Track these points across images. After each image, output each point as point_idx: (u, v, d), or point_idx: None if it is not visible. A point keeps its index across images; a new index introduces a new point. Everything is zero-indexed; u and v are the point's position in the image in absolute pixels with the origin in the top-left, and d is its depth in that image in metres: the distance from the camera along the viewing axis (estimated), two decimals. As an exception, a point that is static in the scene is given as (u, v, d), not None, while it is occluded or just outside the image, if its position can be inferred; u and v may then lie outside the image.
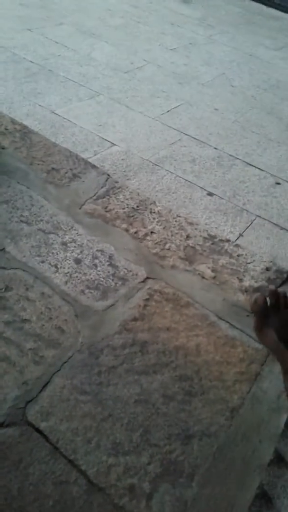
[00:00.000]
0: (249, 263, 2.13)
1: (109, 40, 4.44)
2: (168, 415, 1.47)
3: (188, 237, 2.17)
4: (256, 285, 2.01)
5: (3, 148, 2.38)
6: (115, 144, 2.91)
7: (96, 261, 1.92)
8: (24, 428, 1.34)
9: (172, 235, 2.16)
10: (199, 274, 1.99)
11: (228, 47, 5.09)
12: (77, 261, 1.90)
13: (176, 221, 2.26)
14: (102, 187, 2.34)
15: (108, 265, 1.92)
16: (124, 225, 2.14)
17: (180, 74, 4.15)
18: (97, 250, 1.97)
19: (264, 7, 7.03)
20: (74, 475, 1.28)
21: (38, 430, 1.35)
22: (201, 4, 6.41)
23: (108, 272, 1.89)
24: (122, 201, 2.28)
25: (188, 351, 1.67)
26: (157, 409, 1.48)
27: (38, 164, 2.35)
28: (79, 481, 1.27)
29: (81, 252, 1.94)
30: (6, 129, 2.52)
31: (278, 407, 1.56)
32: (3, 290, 1.70)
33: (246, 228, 2.49)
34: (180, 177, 2.77)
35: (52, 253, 1.90)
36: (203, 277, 1.98)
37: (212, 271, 2.03)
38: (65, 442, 1.34)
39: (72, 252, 1.93)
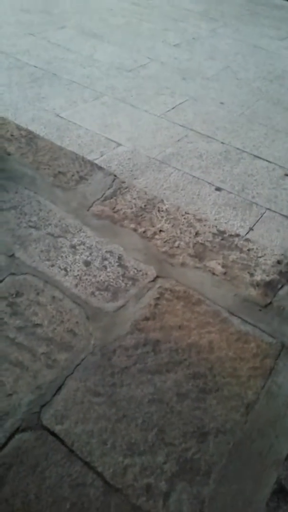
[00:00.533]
0: (260, 257, 2.11)
1: (111, 40, 4.44)
2: (182, 413, 1.47)
3: (197, 234, 2.17)
4: (267, 278, 1.99)
5: (9, 154, 2.40)
6: (121, 144, 2.91)
7: (106, 262, 1.93)
8: (40, 432, 1.35)
9: (181, 233, 2.15)
10: (209, 270, 1.98)
11: (232, 40, 5.05)
12: (87, 263, 1.90)
13: (184, 218, 2.25)
14: (109, 188, 2.34)
15: (118, 265, 1.92)
16: (132, 225, 2.14)
17: (184, 70, 4.13)
18: (106, 252, 1.98)
19: (267, -3, 6.95)
20: (91, 477, 1.28)
21: (53, 434, 1.36)
22: (203, -2, 6.37)
23: (118, 273, 1.89)
24: (130, 201, 2.28)
25: (201, 348, 1.66)
26: (171, 408, 1.47)
27: (45, 168, 2.36)
28: (96, 482, 1.28)
29: (90, 254, 1.95)
30: (12, 135, 2.54)
31: (294, 401, 1.55)
32: (14, 295, 1.71)
33: (256, 222, 2.47)
34: (187, 173, 2.76)
35: (62, 256, 1.91)
36: (213, 274, 1.97)
37: (223, 267, 2.01)
38: (80, 445, 1.35)
39: (81, 255, 1.94)
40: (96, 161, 2.61)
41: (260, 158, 3.05)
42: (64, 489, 1.25)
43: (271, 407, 1.53)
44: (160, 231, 2.15)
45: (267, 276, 2.01)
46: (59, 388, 1.47)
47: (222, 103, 3.69)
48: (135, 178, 2.62)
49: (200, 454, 1.38)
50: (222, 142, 3.16)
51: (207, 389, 1.54)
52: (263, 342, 1.72)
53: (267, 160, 3.04)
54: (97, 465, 1.31)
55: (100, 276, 1.87)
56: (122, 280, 1.86)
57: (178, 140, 3.09)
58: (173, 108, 3.47)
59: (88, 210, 2.18)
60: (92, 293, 1.79)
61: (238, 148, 3.12)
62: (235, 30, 5.36)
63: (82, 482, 1.27)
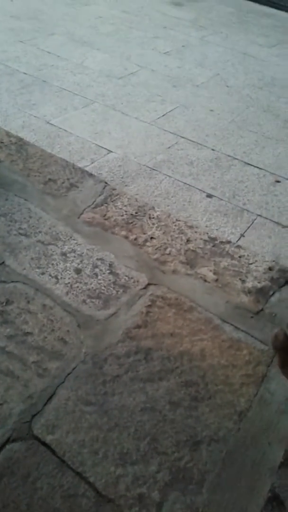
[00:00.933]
0: (251, 263, 2.11)
1: (101, 47, 4.45)
2: (175, 422, 1.46)
3: (188, 240, 2.17)
4: (259, 285, 1.99)
5: (-1, 161, 2.39)
6: (111, 151, 2.91)
7: (97, 270, 1.92)
8: (31, 442, 1.34)
9: (172, 240, 2.15)
10: (201, 277, 1.98)
11: (222, 47, 5.09)
12: (78, 271, 1.89)
13: (175, 225, 2.25)
14: (100, 195, 2.34)
15: (109, 273, 1.91)
16: (124, 232, 2.14)
17: (174, 77, 4.15)
18: (97, 259, 1.97)
19: (256, 5, 7.02)
20: (83, 488, 1.27)
21: (44, 444, 1.34)
22: (192, 6, 6.42)
23: (109, 280, 1.88)
24: (121, 208, 2.28)
25: (193, 356, 1.65)
26: (163, 416, 1.46)
27: (35, 175, 2.35)
28: (88, 493, 1.26)
29: (81, 261, 1.94)
30: (1, 142, 2.53)
31: (286, 409, 1.55)
32: (4, 304, 1.70)
33: (247, 228, 2.48)
34: (178, 180, 2.77)
35: (52, 264, 1.90)
36: (205, 280, 1.97)
37: (214, 273, 2.01)
38: (72, 455, 1.33)
39: (72, 262, 1.93)
40: (86, 168, 2.61)
41: (250, 165, 3.07)
42: (56, 500, 1.23)
43: (264, 414, 1.52)
44: (151, 238, 2.14)
45: (259, 282, 2.01)
46: (50, 398, 1.45)
47: (212, 110, 3.71)
48: (126, 185, 2.62)
49: (193, 463, 1.37)
50: (212, 149, 3.17)
51: (199, 397, 1.53)
52: (256, 349, 1.72)
53: (257, 167, 3.06)
54: (89, 475, 1.29)
55: (91, 283, 1.86)
56: (113, 288, 1.86)
57: (169, 147, 3.10)
58: (163, 116, 3.48)
59: (78, 217, 2.17)
60: (83, 301, 1.78)
61: (228, 155, 3.13)
62: (224, 38, 5.41)
63: (74, 493, 1.25)
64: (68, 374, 1.53)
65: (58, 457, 1.32)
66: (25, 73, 3.64)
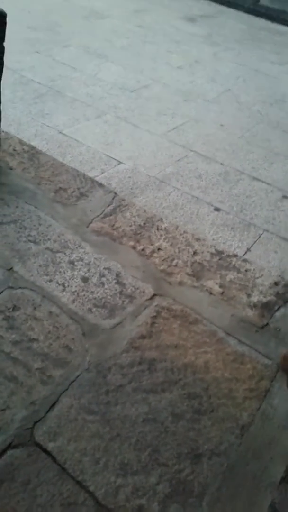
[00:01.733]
0: (258, 278, 2.12)
1: (115, 60, 4.52)
2: (177, 434, 1.46)
3: (195, 253, 2.18)
4: (264, 300, 2.00)
5: (11, 168, 2.41)
6: (121, 162, 2.94)
7: (103, 279, 1.93)
8: (32, 449, 1.34)
9: (179, 252, 2.16)
10: (207, 290, 1.99)
11: (234, 64, 5.14)
12: (84, 280, 1.91)
13: (183, 237, 2.26)
14: (109, 205, 2.36)
15: (115, 283, 1.93)
16: (131, 243, 2.15)
17: (186, 92, 4.19)
18: (104, 268, 1.98)
19: (269, 23, 7.10)
20: (83, 496, 1.27)
21: (45, 451, 1.34)
22: (206, 22, 6.50)
23: (115, 290, 1.89)
24: (129, 219, 2.30)
25: (197, 368, 1.66)
26: (165, 428, 1.46)
27: (46, 184, 2.38)
28: (88, 502, 1.26)
29: (88, 270, 1.95)
30: (14, 150, 2.57)
31: (288, 424, 1.54)
32: (11, 309, 1.71)
33: (254, 243, 2.49)
34: (186, 193, 2.79)
35: (60, 272, 1.92)
36: (211, 293, 1.98)
37: (220, 286, 2.02)
38: (73, 463, 1.33)
39: (79, 271, 1.94)
40: (96, 178, 2.63)
41: (259, 180, 3.09)
42: (55, 507, 1.23)
43: (266, 429, 1.52)
44: (159, 249, 2.16)
45: (264, 297, 2.01)
46: (53, 405, 1.46)
47: (222, 125, 3.74)
48: (135, 196, 2.64)
49: (193, 476, 1.36)
50: (221, 163, 3.19)
51: (202, 410, 1.53)
52: (259, 364, 1.71)
53: (265, 182, 3.07)
54: (89, 484, 1.29)
55: (97, 292, 1.87)
56: (120, 298, 1.87)
57: (178, 160, 3.12)
58: (174, 129, 3.51)
59: (87, 226, 2.19)
60: (89, 310, 1.79)
61: (237, 170, 3.15)
62: (236, 54, 5.46)
63: (73, 501, 1.25)
64: (72, 382, 1.53)
65: (58, 465, 1.32)
66: (39, 83, 3.70)
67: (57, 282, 1.87)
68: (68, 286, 1.86)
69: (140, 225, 2.27)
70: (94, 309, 1.79)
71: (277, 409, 1.59)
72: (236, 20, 6.93)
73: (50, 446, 1.35)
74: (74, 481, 1.29)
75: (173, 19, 6.27)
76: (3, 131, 2.40)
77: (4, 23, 2.14)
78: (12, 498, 1.23)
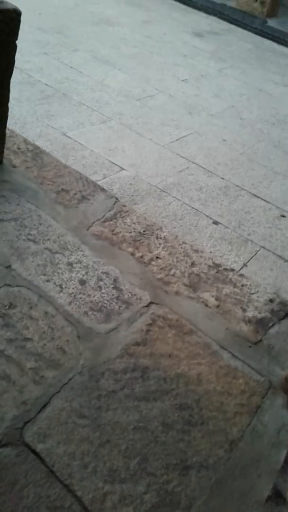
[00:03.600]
0: (253, 293, 2.13)
1: (122, 68, 4.54)
2: (166, 444, 1.45)
3: (193, 264, 2.18)
4: (259, 316, 2.00)
5: (14, 166, 2.40)
6: (124, 169, 2.95)
7: (101, 283, 1.92)
8: (21, 449, 1.32)
9: (177, 261, 2.17)
10: (202, 301, 1.99)
11: (238, 81, 5.20)
12: (82, 282, 1.90)
13: (181, 247, 2.26)
14: (110, 210, 2.36)
15: (113, 288, 1.92)
16: (130, 249, 2.15)
17: (191, 105, 4.23)
18: (102, 272, 1.97)
19: (275, 44, 7.21)
20: (69, 501, 1.25)
21: (34, 452, 1.32)
22: (213, 38, 6.58)
23: (112, 295, 1.89)
24: (129, 225, 2.30)
25: (189, 379, 1.65)
26: (155, 437, 1.45)
27: (48, 184, 2.37)
28: (74, 507, 1.24)
29: (86, 273, 1.95)
30: (18, 148, 2.56)
31: (278, 442, 1.54)
32: (7, 307, 1.69)
33: (250, 259, 2.50)
34: (186, 204, 2.80)
35: (58, 272, 1.91)
36: (206, 305, 1.98)
37: (216, 299, 2.02)
38: (61, 466, 1.31)
39: (77, 273, 1.93)
40: (98, 183, 2.63)
41: (258, 197, 3.11)
42: (41, 510, 1.21)
43: (255, 445, 1.52)
44: (157, 257, 2.16)
45: (259, 313, 2.02)
46: (44, 406, 1.44)
47: (224, 140, 3.78)
48: (135, 203, 2.64)
49: (181, 488, 1.35)
50: (222, 178, 3.22)
51: (192, 422, 1.53)
52: (251, 379, 1.72)
53: (264, 200, 3.10)
54: (77, 489, 1.28)
55: (94, 296, 1.86)
56: (116, 303, 1.86)
57: (180, 171, 3.14)
58: (177, 140, 3.54)
59: (87, 229, 2.18)
60: (85, 313, 1.78)
61: (237, 185, 3.18)
62: (242, 72, 5.53)
63: (60, 505, 1.23)
64: (64, 384, 1.52)
65: (47, 467, 1.30)
66: (46, 85, 3.70)
67: (55, 283, 1.85)
68: (65, 287, 1.85)
69: (139, 232, 2.27)
70: (90, 313, 1.78)
71: (267, 426, 1.58)
72: (243, 39, 7.02)
73: (39, 447, 1.34)
74: (61, 484, 1.27)
75: (181, 33, 6.34)
76: (8, 129, 2.40)
77: (18, 21, 2.14)
78: (-2, 498, 1.21)
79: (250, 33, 7.44)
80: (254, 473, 1.45)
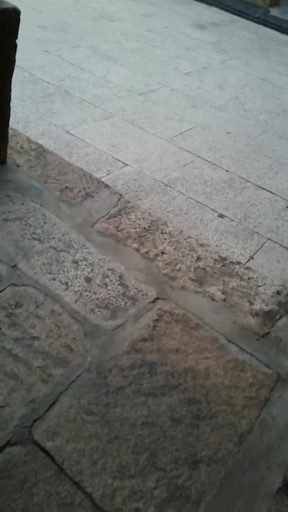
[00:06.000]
0: (260, 286, 2.12)
1: (124, 63, 4.53)
2: (175, 438, 1.45)
3: (198, 258, 2.17)
4: (266, 308, 2.00)
5: (18, 166, 2.41)
6: (127, 165, 2.95)
7: (107, 280, 1.93)
8: (30, 448, 1.33)
9: (182, 256, 2.16)
10: (209, 296, 1.99)
11: (242, 72, 5.16)
12: (88, 280, 1.90)
13: (187, 242, 2.26)
14: (114, 207, 2.35)
15: (119, 284, 1.92)
16: (135, 245, 2.15)
17: (194, 98, 4.20)
18: (107, 269, 1.97)
19: (278, 34, 7.13)
20: (79, 497, 1.26)
21: (44, 450, 1.33)
22: (215, 30, 6.53)
23: (118, 291, 1.89)
24: (134, 221, 2.29)
25: (197, 374, 1.65)
26: (164, 432, 1.46)
27: (52, 182, 2.38)
28: (84, 503, 1.25)
29: (91, 270, 1.95)
30: (21, 147, 2.56)
31: (287, 434, 1.54)
32: (14, 306, 1.70)
33: (257, 251, 2.49)
34: (191, 198, 2.79)
35: (63, 270, 1.91)
36: (213, 299, 1.97)
37: (223, 293, 2.02)
38: (70, 463, 1.32)
39: (83, 271, 1.94)
40: (102, 179, 2.63)
41: (263, 188, 3.09)
42: (52, 507, 1.22)
43: (264, 438, 1.51)
44: (163, 253, 2.15)
45: (266, 306, 2.01)
46: (53, 404, 1.45)
47: (228, 132, 3.75)
48: (139, 199, 2.64)
49: (191, 482, 1.36)
50: (227, 170, 3.20)
51: (201, 416, 1.53)
52: (259, 372, 1.71)
53: (270, 191, 3.08)
54: (86, 486, 1.28)
55: (100, 293, 1.86)
56: (122, 299, 1.86)
57: (184, 165, 3.13)
58: (180, 134, 3.52)
59: (92, 226, 2.19)
60: (92, 310, 1.78)
61: (242, 177, 3.16)
62: (245, 63, 5.49)
63: (70, 502, 1.24)
64: (72, 381, 1.52)
65: (56, 464, 1.31)
66: (48, 82, 3.70)
67: (60, 281, 1.86)
68: (71, 285, 1.86)
69: (144, 227, 2.27)
70: (96, 310, 1.78)
71: (276, 418, 1.58)
72: (245, 30, 6.96)
73: (48, 445, 1.35)
74: (71, 481, 1.28)
75: (183, 25, 6.30)
76: (10, 128, 2.40)
77: (18, 20, 2.14)
78: (9, 496, 1.22)
79: (252, 23, 7.37)
80: (263, 465, 1.45)
